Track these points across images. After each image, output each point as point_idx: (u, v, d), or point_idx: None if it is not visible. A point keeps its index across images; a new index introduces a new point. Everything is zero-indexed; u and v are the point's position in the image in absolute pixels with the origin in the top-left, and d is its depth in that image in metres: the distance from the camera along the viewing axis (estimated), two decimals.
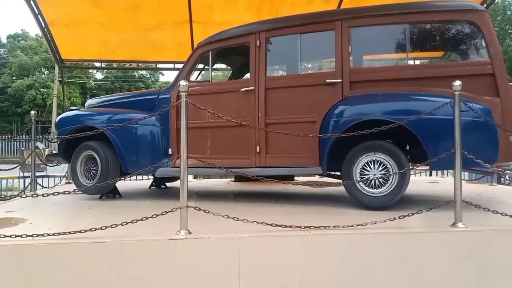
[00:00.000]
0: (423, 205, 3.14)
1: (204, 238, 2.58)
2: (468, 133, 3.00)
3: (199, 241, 2.57)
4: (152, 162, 4.07)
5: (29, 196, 3.98)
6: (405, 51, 3.68)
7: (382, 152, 3.39)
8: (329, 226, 2.70)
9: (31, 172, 5.39)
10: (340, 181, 3.71)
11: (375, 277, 2.62)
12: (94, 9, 6.45)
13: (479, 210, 2.92)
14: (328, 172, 3.85)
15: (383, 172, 3.39)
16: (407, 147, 3.71)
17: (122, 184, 5.20)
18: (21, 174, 7.78)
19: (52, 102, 7.77)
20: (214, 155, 4.01)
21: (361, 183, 3.43)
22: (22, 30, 36.95)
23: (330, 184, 5.06)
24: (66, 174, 6.13)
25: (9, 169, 5.82)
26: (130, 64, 9.73)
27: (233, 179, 6.24)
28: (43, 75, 32.91)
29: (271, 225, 2.67)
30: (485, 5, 5.89)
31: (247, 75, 4.19)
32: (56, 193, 2.89)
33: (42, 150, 6.04)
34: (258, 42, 3.90)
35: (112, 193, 4.45)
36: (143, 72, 34.61)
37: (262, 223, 2.69)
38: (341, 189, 3.89)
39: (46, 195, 3.15)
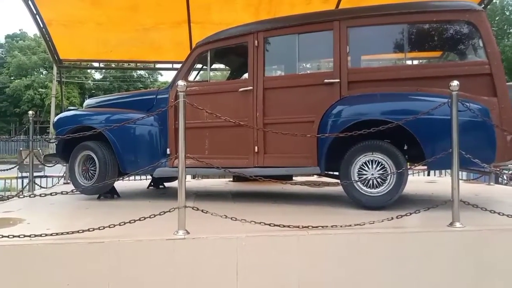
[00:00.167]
0: (421, 204, 3.15)
1: (202, 238, 2.58)
2: (466, 133, 3.01)
3: (197, 241, 2.57)
4: (150, 162, 4.07)
5: (27, 196, 3.98)
6: (403, 51, 3.68)
7: (380, 152, 3.40)
8: (327, 226, 2.70)
9: (29, 172, 5.38)
10: (338, 181, 3.71)
11: (373, 277, 2.63)
12: (93, 9, 6.44)
13: (477, 210, 2.93)
14: (326, 172, 3.86)
15: (381, 172, 3.39)
16: (405, 147, 3.71)
17: (120, 184, 5.19)
18: (19, 175, 7.77)
19: (51, 102, 7.74)
20: (212, 155, 4.01)
21: (359, 183, 3.43)
22: (20, 30, 36.83)
23: (328, 184, 5.07)
24: (64, 175, 6.12)
25: (7, 169, 5.81)
26: (129, 64, 9.74)
27: (231, 179, 6.24)
28: (41, 75, 32.85)
29: (269, 225, 2.67)
30: (482, 5, 5.90)
31: (246, 75, 4.19)
32: (54, 193, 2.89)
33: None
34: (256, 42, 3.91)
35: (110, 193, 4.45)
36: (142, 72, 34.59)
37: (260, 223, 2.69)
38: (339, 189, 3.89)
39: (44, 195, 3.15)
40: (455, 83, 2.83)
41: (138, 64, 8.70)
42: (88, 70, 29.88)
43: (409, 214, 2.85)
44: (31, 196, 3.83)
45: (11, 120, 32.02)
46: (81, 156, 4.39)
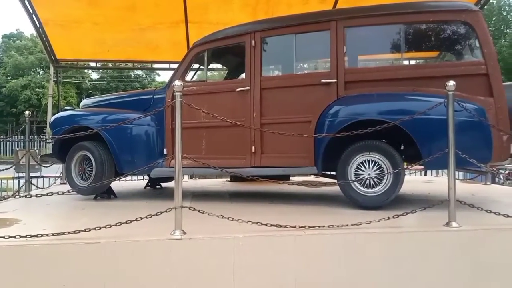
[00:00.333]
0: (417, 204, 3.15)
1: (199, 238, 2.57)
2: (462, 132, 3.02)
3: (194, 242, 2.56)
4: (147, 162, 4.06)
5: (23, 196, 3.96)
6: (400, 51, 3.69)
7: (376, 152, 3.40)
8: (324, 226, 2.70)
9: (25, 172, 5.36)
10: (335, 180, 3.72)
11: (369, 276, 2.63)
12: (89, 9, 6.42)
13: (473, 210, 2.94)
14: (323, 172, 3.86)
15: (377, 171, 3.40)
16: (402, 147, 3.72)
17: (117, 185, 5.18)
18: (16, 175, 7.75)
19: (47, 102, 7.72)
20: (209, 155, 4.00)
21: (356, 183, 3.44)
22: (17, 30, 36.79)
23: (325, 184, 5.06)
24: (61, 175, 6.11)
25: (3, 170, 5.79)
26: (126, 64, 9.70)
27: (228, 179, 6.23)
28: (38, 75, 32.76)
29: (266, 225, 2.67)
30: (479, 6, 5.92)
31: (243, 75, 4.19)
32: (50, 194, 2.88)
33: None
34: (253, 42, 3.90)
35: (107, 194, 4.44)
36: (139, 72, 34.56)
37: (257, 223, 2.69)
38: (336, 188, 3.89)
39: (40, 195, 3.14)
40: (451, 83, 2.84)
41: (135, 64, 8.67)
42: (85, 70, 29.79)
43: (405, 213, 2.86)
44: (27, 196, 3.81)
45: (8, 120, 31.92)
46: (78, 156, 4.38)
